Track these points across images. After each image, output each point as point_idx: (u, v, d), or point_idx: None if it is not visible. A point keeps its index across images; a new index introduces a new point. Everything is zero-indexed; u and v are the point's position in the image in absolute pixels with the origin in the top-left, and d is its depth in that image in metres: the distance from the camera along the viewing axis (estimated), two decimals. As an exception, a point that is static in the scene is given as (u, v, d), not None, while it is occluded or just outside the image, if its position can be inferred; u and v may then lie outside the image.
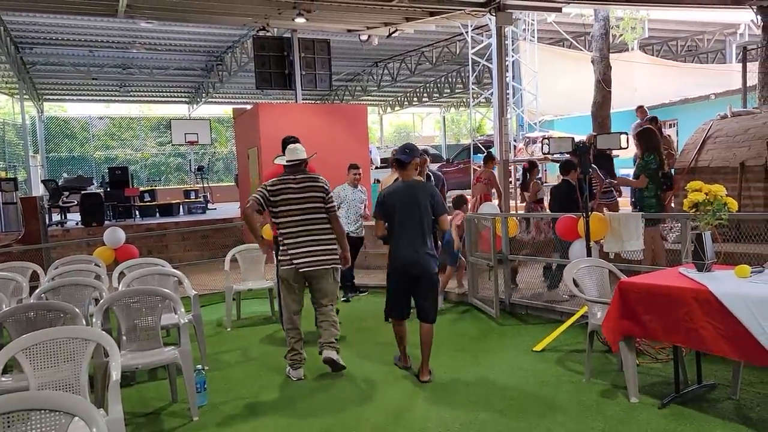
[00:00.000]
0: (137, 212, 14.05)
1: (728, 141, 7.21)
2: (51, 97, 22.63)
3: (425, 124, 38.03)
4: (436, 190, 4.81)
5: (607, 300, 4.14)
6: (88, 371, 3.24)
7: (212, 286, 8.41)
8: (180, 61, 18.30)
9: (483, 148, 12.64)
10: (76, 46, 15.88)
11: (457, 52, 18.01)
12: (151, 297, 4.36)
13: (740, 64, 10.39)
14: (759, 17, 11.31)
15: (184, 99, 23.90)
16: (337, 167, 11.18)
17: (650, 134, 5.96)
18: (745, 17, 15.70)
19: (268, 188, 4.89)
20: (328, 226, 4.83)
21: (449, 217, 5.81)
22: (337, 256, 4.85)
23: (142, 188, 16.37)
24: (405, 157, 4.63)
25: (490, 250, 6.39)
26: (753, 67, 10.55)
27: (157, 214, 14.50)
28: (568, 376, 4.43)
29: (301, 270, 4.70)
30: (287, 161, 5.05)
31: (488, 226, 6.49)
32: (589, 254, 5.20)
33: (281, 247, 4.82)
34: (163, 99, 24.20)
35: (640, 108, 11.29)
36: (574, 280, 4.39)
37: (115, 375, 3.09)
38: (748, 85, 9.61)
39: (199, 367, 4.31)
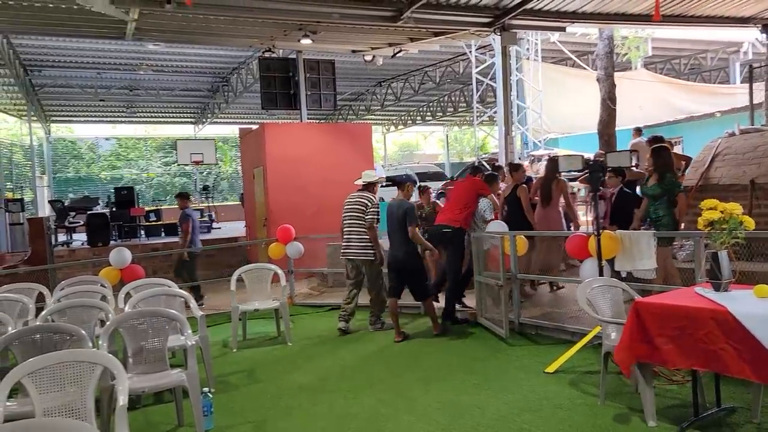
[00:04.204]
0: (143, 232, 14.04)
1: (737, 158, 7.15)
2: (58, 118, 22.83)
3: (429, 143, 38.18)
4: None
5: (622, 321, 4.06)
6: (94, 394, 3.17)
7: (217, 307, 8.35)
8: (186, 82, 18.47)
9: (487, 167, 12.63)
10: (84, 68, 16.05)
11: (461, 72, 18.12)
12: (158, 318, 4.30)
13: (744, 84, 10.40)
14: (764, 35, 11.38)
15: (190, 119, 24.06)
16: (343, 185, 11.19)
17: (667, 152, 5.91)
18: (749, 36, 15.77)
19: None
20: (363, 230, 6.70)
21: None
22: (366, 253, 6.70)
23: (147, 208, 16.38)
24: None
25: (499, 268, 6.32)
26: (759, 86, 10.56)
27: (163, 234, 14.48)
28: (583, 399, 4.34)
29: (341, 257, 7.01)
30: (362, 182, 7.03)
31: (497, 245, 6.42)
32: (600, 273, 5.13)
33: None
34: (169, 119, 24.37)
35: (637, 129, 11.24)
36: (588, 300, 4.31)
37: (123, 399, 3.03)
38: (754, 102, 9.60)
39: (206, 389, 4.24)
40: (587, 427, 3.84)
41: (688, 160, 8.02)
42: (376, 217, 6.75)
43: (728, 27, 11.98)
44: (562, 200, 7.42)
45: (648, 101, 15.89)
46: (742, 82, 15.98)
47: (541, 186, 7.40)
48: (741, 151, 7.19)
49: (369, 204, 6.74)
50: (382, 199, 13.90)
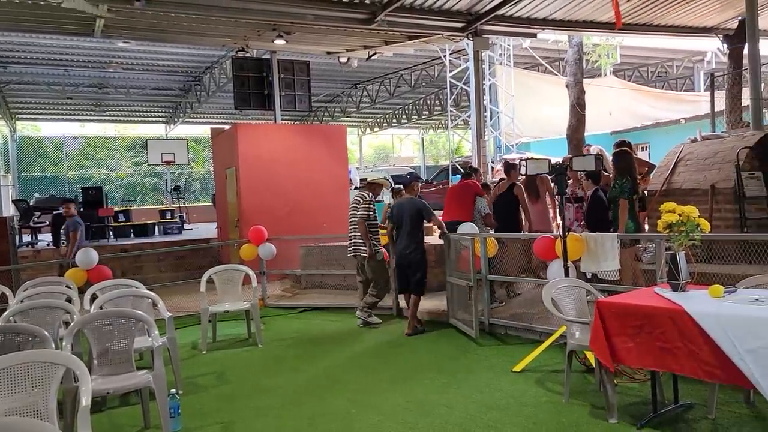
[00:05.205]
0: (111, 233, 13.81)
1: (699, 164, 7.38)
2: (24, 116, 22.29)
3: (404, 146, 38.30)
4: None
5: (586, 320, 4.16)
6: (57, 396, 3.13)
7: (187, 308, 8.27)
8: (157, 80, 18.21)
9: (462, 170, 12.79)
10: (52, 65, 15.70)
11: (436, 75, 18.26)
12: (124, 319, 4.25)
13: (708, 92, 10.72)
14: (725, 45, 11.76)
15: (161, 119, 23.72)
16: (316, 187, 11.22)
17: (624, 157, 6.06)
18: (712, 45, 16.23)
19: None
20: (356, 225, 7.05)
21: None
22: (361, 248, 7.06)
23: (116, 208, 16.11)
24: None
25: (469, 270, 6.41)
26: (720, 94, 10.90)
27: (132, 235, 14.27)
28: (548, 397, 4.43)
29: (349, 254, 7.37)
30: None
31: (467, 246, 6.51)
32: (566, 274, 5.25)
33: None
34: (140, 119, 23.99)
35: (587, 147, 10.72)
36: (553, 300, 4.41)
37: (85, 400, 2.99)
38: (716, 110, 9.91)
39: (173, 391, 4.20)
40: (552, 425, 3.92)
41: (651, 166, 8.23)
42: (367, 213, 7.01)
43: (691, 36, 12.35)
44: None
45: (617, 107, 16.25)
46: (705, 90, 16.44)
47: (526, 185, 7.64)
48: (702, 157, 7.43)
49: (361, 200, 7.07)
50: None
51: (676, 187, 7.33)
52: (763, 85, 9.55)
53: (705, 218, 3.82)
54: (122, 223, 14.46)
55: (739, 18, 10.60)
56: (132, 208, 17.83)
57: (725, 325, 3.17)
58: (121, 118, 23.82)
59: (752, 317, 3.14)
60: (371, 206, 7.09)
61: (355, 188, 16.50)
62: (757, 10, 8.66)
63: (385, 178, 8.10)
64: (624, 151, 6.15)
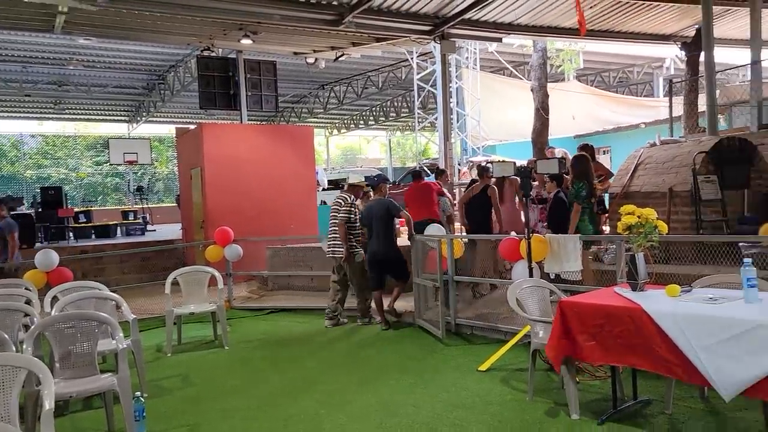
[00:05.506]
0: (71, 234, 13.45)
1: (657, 168, 7.63)
2: (-21, 113, 21.52)
3: (371, 147, 38.40)
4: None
5: (549, 319, 4.27)
6: (19, 400, 3.06)
7: (152, 310, 8.13)
8: (120, 79, 17.81)
9: (429, 171, 12.93)
10: (9, 62, 15.20)
11: (403, 78, 18.36)
12: (87, 322, 4.17)
13: (667, 97, 11.07)
14: (683, 53, 12.18)
15: (123, 117, 23.21)
16: (284, 188, 11.16)
17: (581, 161, 6.24)
18: (671, 52, 16.75)
19: None
20: (336, 227, 7.10)
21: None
22: (339, 249, 7.05)
23: (77, 209, 15.70)
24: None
25: (436, 270, 6.48)
26: (679, 99, 11.28)
27: (93, 236, 13.94)
28: (513, 395, 4.53)
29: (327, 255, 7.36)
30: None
31: (434, 248, 6.58)
32: (531, 275, 5.36)
33: None
34: (101, 117, 23.42)
35: (549, 149, 10.73)
36: (518, 300, 4.51)
37: (48, 404, 2.93)
38: (674, 115, 10.25)
39: (138, 394, 4.14)
40: (516, 422, 4.01)
41: (608, 172, 8.46)
42: (348, 215, 7.08)
43: (651, 43, 12.77)
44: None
45: (580, 112, 16.62)
46: (664, 96, 16.96)
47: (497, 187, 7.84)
48: (661, 161, 7.68)
49: (342, 203, 7.13)
50: (323, 203, 13.95)
51: (636, 190, 7.56)
52: (718, 91, 9.94)
53: (663, 220, 3.97)
54: (83, 224, 14.12)
55: (696, 26, 10.99)
56: (93, 208, 17.40)
57: (681, 323, 3.30)
58: (82, 117, 23.24)
59: (706, 316, 3.28)
60: (353, 208, 7.14)
61: (323, 189, 16.52)
62: (712, 19, 9.01)
63: (365, 181, 8.24)
64: (581, 156, 6.33)
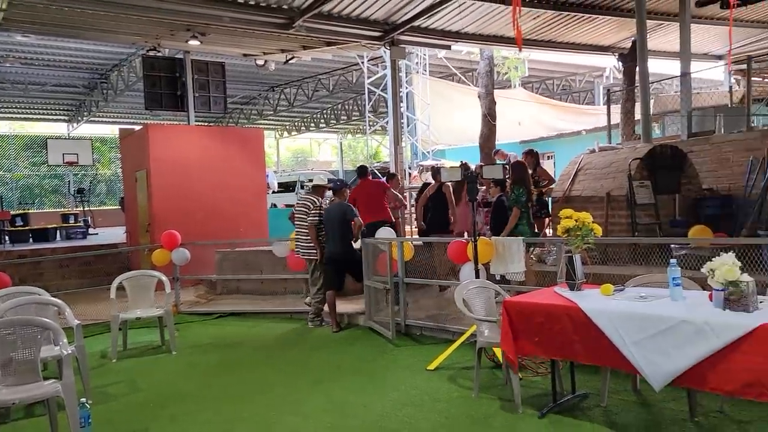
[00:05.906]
0: (7, 238, 12.88)
1: (596, 173, 7.99)
2: None
3: (322, 150, 38.26)
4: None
5: (494, 318, 4.44)
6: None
7: (96, 316, 7.91)
8: (59, 77, 17.17)
9: (379, 175, 13.07)
10: (-62, 56, 14.45)
11: (354, 81, 18.45)
12: (28, 328, 4.07)
13: (606, 105, 11.60)
14: (620, 63, 12.77)
15: (62, 117, 22.35)
16: (233, 190, 11.04)
17: (519, 167, 6.55)
18: (610, 62, 17.49)
19: None
20: (307, 230, 7.22)
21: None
22: (310, 252, 7.19)
23: (13, 212, 15.01)
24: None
25: (386, 273, 6.59)
26: (616, 108, 11.84)
27: (31, 240, 13.39)
28: (459, 392, 4.68)
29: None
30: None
31: (385, 250, 6.70)
32: (477, 276, 5.55)
33: None
34: (39, 116, 22.49)
35: (498, 151, 11.16)
36: (464, 300, 4.67)
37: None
38: (612, 123, 10.75)
39: (83, 400, 4.06)
40: (463, 418, 4.16)
41: (550, 178, 8.87)
42: (317, 218, 7.19)
43: (591, 53, 13.34)
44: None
45: (526, 118, 17.13)
46: (604, 104, 17.69)
47: (453, 189, 8.18)
48: (599, 167, 8.05)
49: (311, 206, 7.23)
50: (273, 206, 13.83)
51: (577, 195, 7.90)
52: (652, 101, 10.49)
53: (601, 224, 4.23)
54: (20, 228, 13.52)
55: (633, 39, 11.56)
56: (30, 211, 16.71)
57: (614, 319, 3.52)
58: (18, 116, 22.23)
59: (637, 313, 3.51)
60: (321, 211, 7.23)
61: (273, 192, 16.40)
62: (646, 32, 9.52)
63: (329, 182, 8.52)
64: (520, 163, 6.63)
